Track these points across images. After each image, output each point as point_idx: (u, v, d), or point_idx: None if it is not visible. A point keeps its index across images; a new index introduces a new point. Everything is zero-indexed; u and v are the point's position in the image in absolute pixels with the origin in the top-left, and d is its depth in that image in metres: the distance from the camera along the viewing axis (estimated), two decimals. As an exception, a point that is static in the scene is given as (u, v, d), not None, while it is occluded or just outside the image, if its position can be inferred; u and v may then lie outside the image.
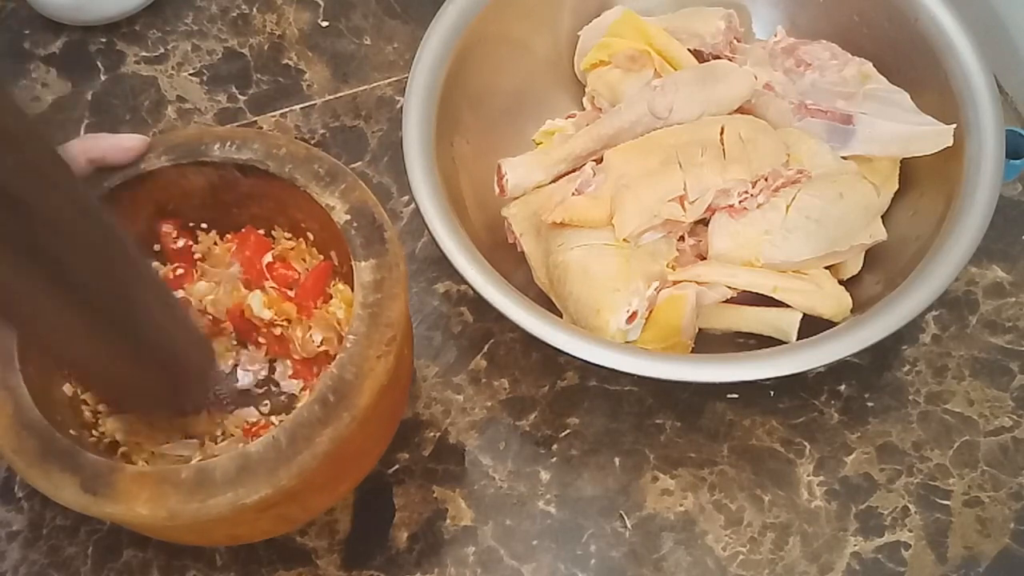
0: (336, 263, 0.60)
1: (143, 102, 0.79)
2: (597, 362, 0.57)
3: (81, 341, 0.47)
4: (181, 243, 0.60)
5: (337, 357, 0.51)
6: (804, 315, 0.62)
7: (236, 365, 0.62)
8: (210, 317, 0.60)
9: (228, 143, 0.57)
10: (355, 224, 0.54)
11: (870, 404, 0.66)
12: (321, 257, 0.61)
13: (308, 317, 0.60)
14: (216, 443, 0.58)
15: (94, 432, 0.56)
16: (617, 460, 0.64)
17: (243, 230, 0.61)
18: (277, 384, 0.61)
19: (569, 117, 0.73)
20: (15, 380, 0.51)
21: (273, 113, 0.78)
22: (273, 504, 0.49)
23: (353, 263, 0.53)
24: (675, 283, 0.62)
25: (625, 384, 0.67)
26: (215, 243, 0.61)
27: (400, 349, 0.52)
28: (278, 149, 0.56)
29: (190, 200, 0.59)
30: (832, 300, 0.63)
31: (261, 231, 0.61)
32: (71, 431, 0.53)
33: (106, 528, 0.62)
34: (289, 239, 0.61)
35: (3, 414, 0.50)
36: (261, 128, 0.77)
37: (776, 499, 0.63)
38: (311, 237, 0.60)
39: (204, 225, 0.61)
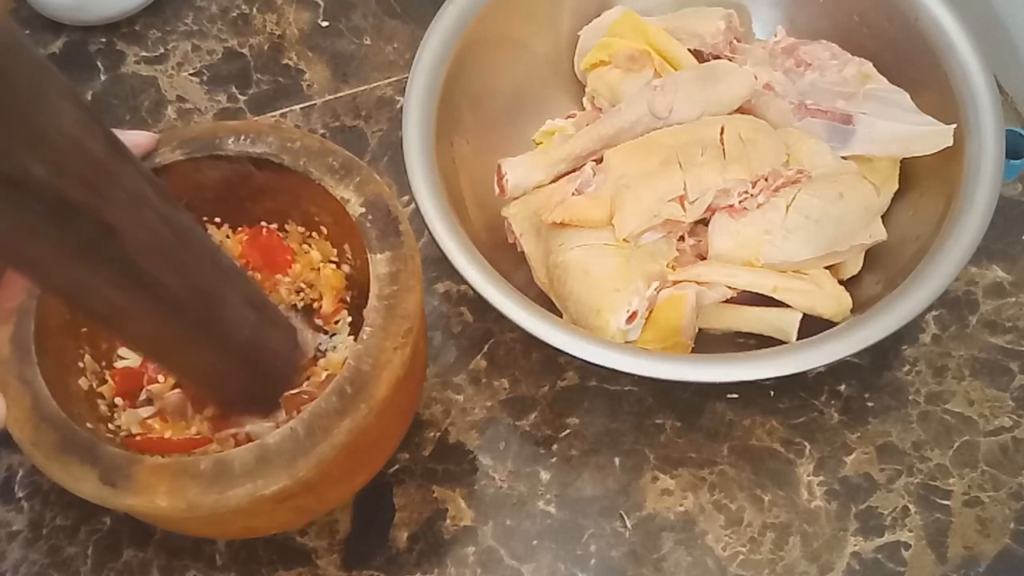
0: (350, 256, 0.60)
1: (143, 102, 0.79)
2: (597, 362, 0.57)
3: (167, 343, 0.47)
4: None
5: (354, 349, 0.51)
6: (804, 315, 0.62)
7: None
8: None
9: (243, 136, 0.57)
10: (370, 217, 0.54)
11: (870, 404, 0.66)
12: (335, 251, 0.61)
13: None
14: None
15: (110, 426, 0.56)
16: (617, 460, 0.64)
17: (261, 226, 0.61)
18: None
19: (569, 117, 0.73)
20: (32, 373, 0.51)
21: (273, 113, 0.78)
22: (291, 495, 0.49)
23: (369, 255, 0.53)
24: (675, 283, 0.62)
25: (625, 384, 0.67)
26: (227, 236, 0.61)
27: (416, 341, 0.52)
28: (292, 143, 0.56)
29: (204, 194, 0.59)
30: (832, 300, 0.63)
31: (274, 225, 0.61)
32: (88, 424, 0.53)
33: (106, 528, 0.62)
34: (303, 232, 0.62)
35: (21, 407, 0.50)
36: (261, 128, 0.78)
37: (776, 499, 0.63)
38: (324, 231, 0.60)
39: (217, 219, 0.61)
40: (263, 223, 0.62)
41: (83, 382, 0.56)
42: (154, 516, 0.54)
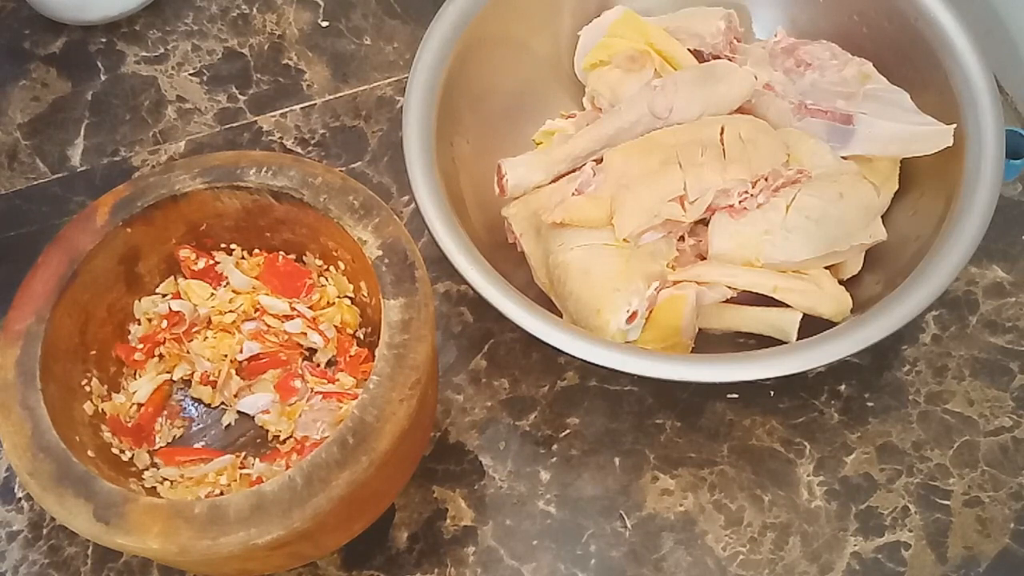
0: (365, 294, 0.60)
1: (143, 102, 0.79)
2: (597, 362, 0.57)
3: None
4: (202, 263, 0.61)
5: (359, 398, 0.50)
6: (804, 315, 0.62)
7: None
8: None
9: (264, 169, 0.56)
10: (386, 260, 0.54)
11: (870, 404, 0.66)
12: (351, 287, 0.61)
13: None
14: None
15: (112, 451, 0.56)
16: (617, 460, 0.64)
17: (278, 253, 0.61)
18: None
19: (569, 117, 0.73)
20: (35, 400, 0.50)
21: (273, 113, 0.78)
22: (285, 543, 0.49)
23: (382, 301, 0.53)
24: (675, 283, 0.62)
25: (625, 384, 0.67)
26: (243, 257, 0.62)
27: (424, 392, 0.51)
28: (314, 178, 0.56)
29: (223, 221, 0.59)
30: (832, 300, 0.63)
31: (292, 256, 0.61)
32: (89, 452, 0.53)
33: (106, 528, 0.62)
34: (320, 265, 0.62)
35: (21, 435, 0.50)
36: (261, 128, 0.77)
37: (776, 499, 0.63)
38: (342, 266, 0.60)
39: (234, 246, 0.61)
40: (281, 253, 0.62)
41: (88, 406, 0.56)
42: (147, 555, 0.54)
